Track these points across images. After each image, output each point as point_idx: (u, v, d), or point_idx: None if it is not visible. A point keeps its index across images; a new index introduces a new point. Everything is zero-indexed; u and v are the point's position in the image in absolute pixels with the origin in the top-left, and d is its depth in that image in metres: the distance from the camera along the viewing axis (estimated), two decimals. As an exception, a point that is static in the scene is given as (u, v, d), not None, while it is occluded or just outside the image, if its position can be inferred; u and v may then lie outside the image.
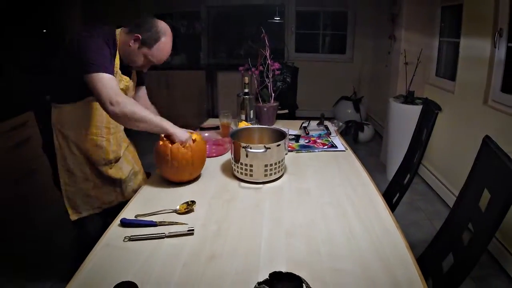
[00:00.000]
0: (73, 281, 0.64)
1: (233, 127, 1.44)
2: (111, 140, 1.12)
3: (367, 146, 3.19)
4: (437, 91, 2.36)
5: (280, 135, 1.11)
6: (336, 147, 1.37)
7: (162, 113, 1.12)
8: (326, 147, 1.37)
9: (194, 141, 1.02)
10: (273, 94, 1.57)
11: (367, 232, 0.79)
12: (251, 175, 1.03)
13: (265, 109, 1.56)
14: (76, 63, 0.92)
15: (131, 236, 0.77)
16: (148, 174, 1.28)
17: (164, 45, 1.02)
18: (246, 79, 1.52)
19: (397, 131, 2.34)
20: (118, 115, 0.92)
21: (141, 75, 1.21)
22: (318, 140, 1.45)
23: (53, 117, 1.05)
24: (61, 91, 1.05)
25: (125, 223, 0.81)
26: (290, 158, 1.22)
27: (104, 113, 1.00)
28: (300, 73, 2.67)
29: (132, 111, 0.92)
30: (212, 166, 1.17)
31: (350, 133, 3.23)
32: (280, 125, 1.57)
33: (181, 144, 0.99)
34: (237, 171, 1.06)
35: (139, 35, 0.99)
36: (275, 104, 1.58)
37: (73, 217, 1.10)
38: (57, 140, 1.06)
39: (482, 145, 0.81)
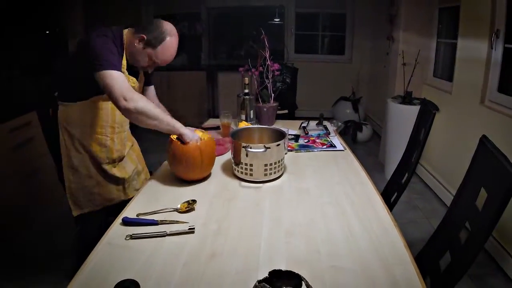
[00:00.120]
0: (75, 279, 0.65)
1: (233, 127, 1.45)
2: (115, 139, 1.13)
3: (366, 146, 3.21)
4: (434, 91, 2.38)
5: (280, 135, 1.12)
6: (335, 146, 1.38)
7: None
8: (325, 146, 1.38)
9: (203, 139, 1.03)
10: (272, 95, 1.58)
11: (365, 231, 0.80)
12: (251, 175, 1.04)
13: (265, 109, 1.57)
14: (85, 62, 0.93)
15: (133, 234, 0.77)
16: (151, 173, 1.28)
17: (168, 46, 1.02)
18: (246, 80, 1.52)
19: (395, 131, 2.35)
20: (131, 111, 0.92)
21: (148, 76, 1.22)
22: (317, 140, 1.46)
23: (59, 115, 1.06)
24: (67, 90, 1.06)
25: (126, 222, 0.82)
26: (289, 157, 1.23)
27: (109, 112, 1.02)
28: (300, 74, 2.68)
29: (145, 107, 0.93)
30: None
31: (348, 133, 3.25)
32: (279, 125, 1.58)
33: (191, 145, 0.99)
34: (237, 171, 1.07)
35: (144, 36, 1.00)
36: (274, 104, 1.59)
37: (75, 212, 1.12)
38: (63, 137, 1.07)
39: (479, 144, 0.82)
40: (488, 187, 0.74)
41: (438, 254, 0.84)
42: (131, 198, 1.00)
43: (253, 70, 1.56)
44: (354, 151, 1.35)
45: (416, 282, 0.64)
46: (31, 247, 1.64)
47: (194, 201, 0.91)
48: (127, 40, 1.03)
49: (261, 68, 1.56)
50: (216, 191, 1.01)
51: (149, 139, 1.36)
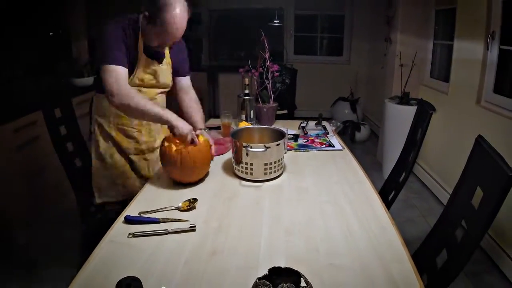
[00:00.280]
0: (78, 276, 0.66)
1: (233, 127, 1.45)
2: (143, 131, 1.15)
3: (364, 145, 3.23)
4: (431, 92, 2.40)
5: (280, 135, 1.13)
6: (333, 146, 1.39)
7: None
8: (324, 146, 1.39)
9: (197, 142, 1.02)
10: (272, 95, 1.59)
11: (363, 229, 0.81)
12: (251, 174, 1.05)
13: (264, 109, 1.58)
14: (95, 53, 0.98)
15: (135, 232, 0.78)
16: None
17: (171, 19, 0.92)
18: (247, 81, 1.54)
19: (392, 131, 2.37)
20: (118, 107, 0.94)
21: (182, 65, 1.18)
22: (316, 140, 1.47)
23: (93, 106, 1.11)
24: (97, 80, 1.06)
25: (129, 220, 0.82)
26: (289, 157, 1.24)
27: None
28: (299, 75, 2.69)
29: (129, 104, 0.93)
30: (213, 165, 1.18)
31: (347, 132, 3.27)
32: (279, 125, 1.59)
33: (182, 138, 0.97)
34: (238, 170, 1.08)
35: (146, 13, 0.95)
36: (274, 104, 1.61)
37: (98, 200, 1.14)
38: (93, 127, 1.12)
39: (475, 144, 0.83)
40: (484, 186, 0.75)
41: (434, 252, 0.85)
42: None
43: (253, 71, 1.57)
44: (352, 151, 1.36)
45: (413, 280, 0.65)
46: (35, 246, 1.64)
47: (195, 199, 0.92)
48: (141, 22, 1.00)
49: (261, 69, 1.57)
50: (217, 190, 1.02)
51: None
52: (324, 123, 1.67)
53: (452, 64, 2.12)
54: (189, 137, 0.97)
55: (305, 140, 1.46)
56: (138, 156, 1.15)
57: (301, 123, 1.65)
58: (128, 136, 1.12)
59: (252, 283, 0.56)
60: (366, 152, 3.05)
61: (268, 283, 0.54)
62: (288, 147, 1.31)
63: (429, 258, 0.85)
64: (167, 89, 1.19)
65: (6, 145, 1.65)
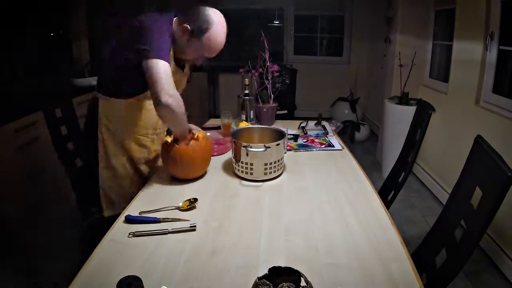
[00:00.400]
0: (79, 275, 0.66)
1: (234, 127, 1.46)
2: (156, 140, 1.11)
3: (363, 145, 3.23)
4: (430, 92, 2.41)
5: (279, 135, 1.13)
6: (333, 146, 1.39)
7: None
8: (323, 146, 1.40)
9: (197, 138, 1.04)
10: (272, 95, 1.60)
11: (363, 229, 0.81)
12: (251, 174, 1.06)
13: (264, 109, 1.58)
14: (135, 50, 0.85)
15: (136, 232, 0.78)
16: None
17: (215, 36, 0.93)
18: (247, 81, 1.54)
19: (392, 131, 2.38)
20: (166, 111, 0.87)
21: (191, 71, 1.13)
22: (316, 140, 1.47)
23: (100, 110, 0.98)
24: (114, 84, 0.97)
25: (129, 220, 0.83)
26: (289, 157, 1.24)
27: (154, 113, 0.94)
28: (299, 75, 2.70)
29: (177, 110, 0.88)
30: (214, 164, 1.19)
31: (346, 132, 3.28)
32: (279, 125, 1.59)
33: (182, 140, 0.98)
34: (238, 170, 1.08)
35: (187, 26, 0.91)
36: (274, 104, 1.61)
37: (107, 213, 1.06)
38: (101, 134, 1.00)
39: (474, 144, 0.83)
40: (483, 186, 0.75)
41: (434, 251, 0.85)
42: None
43: (253, 71, 1.58)
44: (352, 151, 1.36)
45: (412, 279, 0.66)
46: (35, 246, 1.64)
47: (195, 199, 0.92)
48: (174, 30, 0.94)
49: (261, 69, 1.57)
50: (217, 189, 1.02)
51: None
52: (324, 123, 1.67)
53: (451, 65, 2.13)
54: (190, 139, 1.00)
55: (305, 140, 1.47)
56: (146, 165, 1.10)
57: (301, 123, 1.65)
58: (142, 145, 1.06)
59: (252, 283, 0.56)
60: (365, 152, 3.05)
61: (268, 282, 0.54)
62: (288, 147, 1.32)
63: (428, 257, 0.86)
64: None
65: (7, 145, 1.65)
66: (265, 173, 1.06)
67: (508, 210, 1.21)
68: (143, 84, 0.89)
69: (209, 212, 0.89)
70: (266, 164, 1.04)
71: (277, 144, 1.05)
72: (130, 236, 0.77)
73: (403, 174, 1.22)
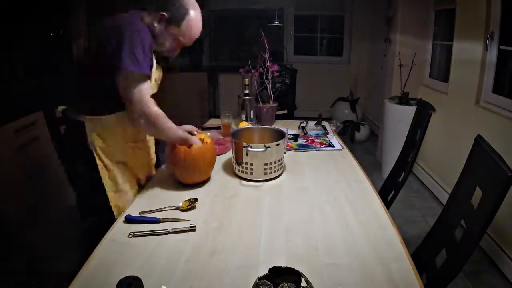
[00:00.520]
0: (79, 275, 0.66)
1: (234, 127, 1.46)
2: (151, 145, 1.09)
3: (363, 145, 3.23)
4: (430, 92, 2.41)
5: (280, 135, 1.13)
6: (333, 146, 1.39)
7: (165, 114, 1.10)
8: (323, 146, 1.40)
9: (203, 141, 1.02)
10: (272, 95, 1.60)
11: (363, 229, 0.81)
12: (251, 174, 1.06)
13: (264, 109, 1.58)
14: (111, 61, 0.81)
15: (135, 232, 0.78)
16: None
17: (193, 21, 0.89)
18: (247, 81, 1.54)
19: (392, 131, 2.38)
20: (140, 125, 0.87)
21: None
22: (316, 140, 1.47)
23: (90, 133, 0.91)
24: (95, 102, 0.92)
25: (129, 220, 0.83)
26: (289, 157, 1.24)
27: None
28: (299, 75, 2.70)
29: (155, 123, 0.88)
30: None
31: (346, 132, 3.28)
32: (279, 125, 1.59)
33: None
34: (238, 170, 1.08)
35: (164, 13, 0.87)
36: (274, 104, 1.61)
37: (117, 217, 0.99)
38: (100, 160, 0.94)
39: (474, 144, 0.83)
40: (483, 186, 0.75)
41: (434, 251, 0.85)
42: None
43: (253, 71, 1.58)
44: (352, 151, 1.36)
45: (413, 279, 0.66)
46: (35, 247, 1.64)
47: (195, 199, 0.92)
48: (148, 23, 0.89)
49: (261, 69, 1.57)
50: (217, 189, 1.02)
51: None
52: (324, 123, 1.67)
53: (451, 65, 2.13)
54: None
55: (305, 140, 1.47)
56: (142, 172, 1.08)
57: (301, 123, 1.65)
58: (137, 150, 1.03)
59: (252, 283, 0.56)
60: (365, 152, 3.06)
61: (268, 283, 0.54)
62: (288, 147, 1.32)
63: (428, 257, 0.86)
64: None
65: (7, 145, 1.65)
66: (265, 173, 1.06)
67: (508, 210, 1.21)
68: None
69: (209, 212, 0.89)
70: (266, 164, 1.04)
71: (277, 144, 1.05)
72: (130, 236, 0.78)
73: (403, 174, 1.22)
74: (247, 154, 1.03)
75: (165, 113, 0.98)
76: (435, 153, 2.30)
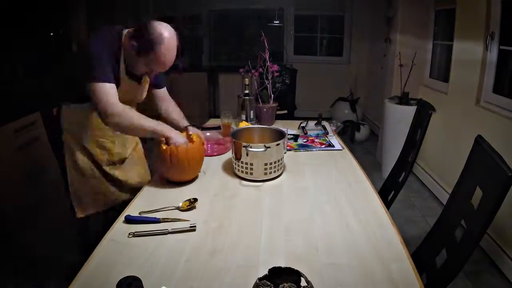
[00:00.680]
0: (79, 275, 0.66)
1: (234, 127, 1.46)
2: (116, 142, 1.12)
3: (363, 145, 3.23)
4: (431, 92, 2.41)
5: (280, 135, 1.13)
6: (333, 146, 1.39)
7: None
8: (323, 146, 1.40)
9: (192, 141, 1.03)
10: (272, 95, 1.60)
11: (363, 228, 0.81)
12: (251, 173, 1.06)
13: (264, 109, 1.58)
14: (82, 68, 0.93)
15: (135, 232, 0.78)
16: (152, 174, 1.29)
17: (162, 52, 0.93)
18: (247, 81, 1.54)
19: (392, 131, 2.38)
20: (113, 126, 0.94)
21: (158, 77, 1.15)
22: (316, 140, 1.47)
23: (61, 116, 1.05)
24: (68, 91, 1.06)
25: (129, 220, 0.83)
26: (289, 157, 1.24)
27: None
28: (299, 75, 2.70)
29: (125, 124, 0.93)
30: (214, 164, 1.19)
31: (346, 132, 3.28)
32: (279, 125, 1.59)
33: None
34: (238, 170, 1.08)
35: (133, 42, 0.93)
36: (274, 104, 1.61)
37: (79, 214, 1.11)
38: (66, 139, 1.06)
39: (474, 144, 0.83)
40: (483, 186, 0.75)
41: (434, 251, 0.85)
42: (132, 199, 1.00)
43: (253, 71, 1.58)
44: (352, 151, 1.36)
45: (413, 279, 0.66)
46: (34, 247, 1.64)
47: (195, 199, 0.92)
48: (124, 43, 0.97)
49: (261, 69, 1.57)
50: (217, 189, 1.02)
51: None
52: (324, 123, 1.67)
53: (451, 65, 2.13)
54: (183, 146, 0.99)
55: (305, 140, 1.47)
56: (110, 166, 1.12)
57: (301, 123, 1.65)
58: (102, 147, 1.09)
59: (253, 283, 0.56)
60: (365, 152, 3.05)
61: (269, 283, 0.54)
62: (288, 147, 1.31)
63: (428, 257, 0.86)
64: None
65: (7, 145, 1.65)
66: (265, 173, 1.06)
67: (509, 210, 1.21)
68: None
69: (209, 212, 0.89)
70: (266, 164, 1.04)
71: (277, 144, 1.05)
72: (130, 236, 0.77)
73: (403, 174, 1.22)
74: (247, 154, 1.03)
75: None
76: (435, 153, 2.30)
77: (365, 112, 3.82)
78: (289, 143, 1.40)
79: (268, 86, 1.58)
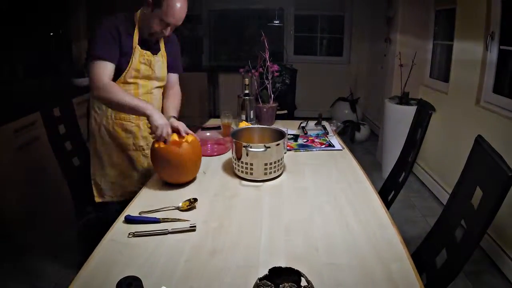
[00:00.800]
0: (79, 275, 0.66)
1: (234, 127, 1.46)
2: (141, 126, 1.15)
3: (363, 145, 3.23)
4: (431, 92, 2.41)
5: (280, 135, 1.13)
6: (333, 146, 1.39)
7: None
8: (323, 146, 1.39)
9: (186, 141, 1.01)
10: (272, 95, 1.60)
11: (363, 229, 0.81)
12: (251, 174, 1.05)
13: (264, 109, 1.58)
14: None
15: (135, 232, 0.78)
16: None
17: (174, 2, 1.00)
18: (247, 81, 1.54)
19: (392, 131, 2.38)
20: (99, 99, 1.00)
21: (176, 61, 1.22)
22: (316, 140, 1.47)
23: (90, 102, 1.12)
24: None
25: (129, 220, 0.83)
26: (289, 157, 1.24)
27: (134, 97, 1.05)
28: (299, 75, 2.70)
29: (108, 97, 0.98)
30: (214, 164, 1.19)
31: (347, 132, 3.28)
32: (279, 125, 1.59)
33: (155, 131, 0.96)
34: (238, 170, 1.08)
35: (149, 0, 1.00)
36: (274, 104, 1.61)
37: (97, 199, 1.15)
38: (91, 124, 1.12)
39: (475, 144, 0.83)
40: (483, 186, 0.75)
41: (434, 251, 0.85)
42: None
43: (253, 71, 1.58)
44: (352, 151, 1.36)
45: (413, 279, 0.66)
46: (35, 247, 1.64)
47: (195, 199, 0.92)
48: (140, 16, 1.06)
49: (261, 69, 1.57)
50: (217, 189, 1.02)
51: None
52: (324, 123, 1.67)
53: (451, 64, 2.13)
54: (163, 131, 0.95)
55: (305, 140, 1.47)
56: (137, 152, 1.15)
57: (301, 123, 1.65)
58: (127, 130, 1.13)
59: (253, 283, 0.56)
60: (366, 152, 3.05)
61: (269, 283, 0.54)
62: (288, 147, 1.31)
63: (428, 257, 0.86)
64: (163, 84, 1.21)
65: (7, 145, 1.65)
66: (265, 173, 1.06)
67: (509, 210, 1.21)
68: (117, 72, 1.04)
69: (209, 212, 0.89)
70: (266, 164, 1.04)
71: (277, 144, 1.05)
72: (130, 236, 0.77)
73: (403, 174, 1.22)
74: (247, 154, 1.03)
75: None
76: (436, 153, 2.30)
77: (365, 112, 3.82)
78: (289, 143, 1.40)
79: (268, 86, 1.58)
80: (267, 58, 1.53)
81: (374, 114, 3.56)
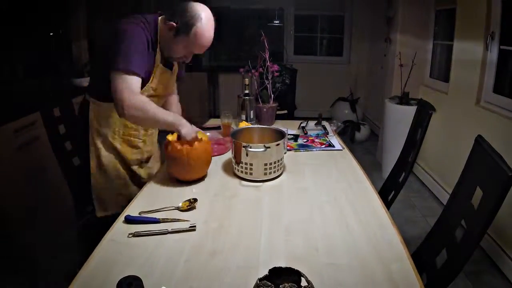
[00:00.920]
0: (79, 275, 0.66)
1: (234, 127, 1.46)
2: (147, 141, 1.11)
3: (363, 145, 3.23)
4: (431, 92, 2.41)
5: (279, 135, 1.13)
6: (333, 146, 1.39)
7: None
8: (323, 146, 1.39)
9: (200, 140, 1.03)
10: (272, 95, 1.60)
11: (363, 229, 0.81)
12: (251, 174, 1.05)
13: (264, 109, 1.58)
14: (108, 57, 0.88)
15: (135, 232, 0.78)
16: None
17: (202, 31, 0.92)
18: (247, 81, 1.54)
19: (392, 131, 2.38)
20: (128, 118, 0.91)
21: (182, 71, 1.14)
22: (316, 140, 1.47)
23: (90, 113, 1.01)
24: (99, 87, 1.00)
25: (129, 220, 0.83)
26: (289, 157, 1.24)
27: None
28: (299, 75, 2.70)
29: (141, 116, 0.90)
30: (214, 165, 1.18)
31: (347, 132, 3.28)
32: (279, 125, 1.59)
33: (185, 141, 0.97)
34: (238, 170, 1.08)
35: (173, 23, 0.91)
36: (274, 104, 1.61)
37: (99, 214, 1.08)
38: (92, 137, 1.03)
39: (475, 144, 0.83)
40: (483, 186, 0.75)
41: (434, 251, 0.85)
42: None
43: (253, 71, 1.58)
44: (352, 151, 1.36)
45: (413, 279, 0.65)
46: (35, 247, 1.64)
47: (195, 199, 0.92)
48: (160, 29, 0.95)
49: (261, 69, 1.57)
50: (217, 190, 1.02)
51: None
52: (324, 123, 1.67)
53: (452, 64, 2.13)
54: (191, 140, 0.97)
55: (305, 140, 1.47)
56: (138, 166, 1.12)
57: (301, 123, 1.65)
58: (134, 146, 1.08)
59: (253, 283, 0.56)
60: (366, 152, 3.05)
61: (269, 283, 0.54)
62: (288, 147, 1.31)
63: (428, 257, 0.86)
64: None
65: (7, 145, 1.65)
66: (265, 173, 1.05)
67: (509, 210, 1.21)
68: None
69: (209, 212, 0.89)
70: (266, 164, 1.04)
71: (277, 144, 1.05)
72: (130, 236, 0.77)
73: (403, 174, 1.22)
74: (247, 154, 1.03)
75: None
76: (436, 153, 2.30)
77: (365, 112, 3.82)
78: (289, 143, 1.40)
79: (268, 86, 1.58)
80: (267, 58, 1.53)
81: (374, 114, 3.56)
